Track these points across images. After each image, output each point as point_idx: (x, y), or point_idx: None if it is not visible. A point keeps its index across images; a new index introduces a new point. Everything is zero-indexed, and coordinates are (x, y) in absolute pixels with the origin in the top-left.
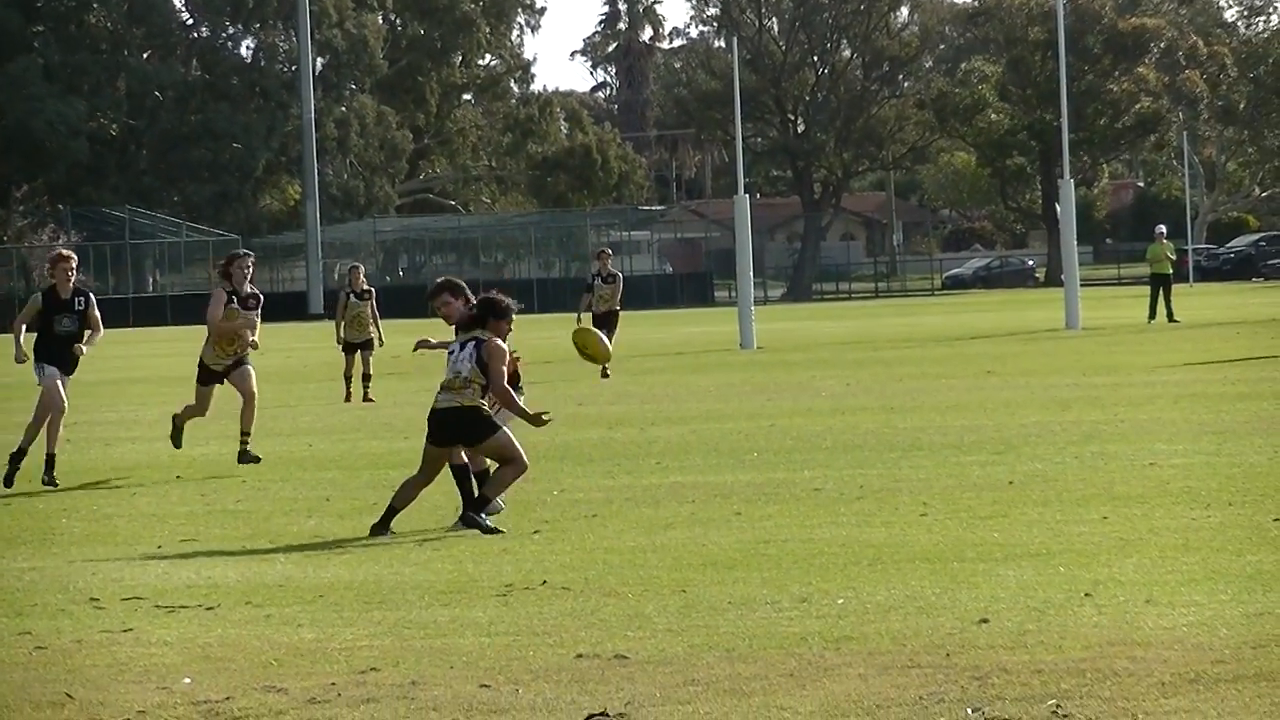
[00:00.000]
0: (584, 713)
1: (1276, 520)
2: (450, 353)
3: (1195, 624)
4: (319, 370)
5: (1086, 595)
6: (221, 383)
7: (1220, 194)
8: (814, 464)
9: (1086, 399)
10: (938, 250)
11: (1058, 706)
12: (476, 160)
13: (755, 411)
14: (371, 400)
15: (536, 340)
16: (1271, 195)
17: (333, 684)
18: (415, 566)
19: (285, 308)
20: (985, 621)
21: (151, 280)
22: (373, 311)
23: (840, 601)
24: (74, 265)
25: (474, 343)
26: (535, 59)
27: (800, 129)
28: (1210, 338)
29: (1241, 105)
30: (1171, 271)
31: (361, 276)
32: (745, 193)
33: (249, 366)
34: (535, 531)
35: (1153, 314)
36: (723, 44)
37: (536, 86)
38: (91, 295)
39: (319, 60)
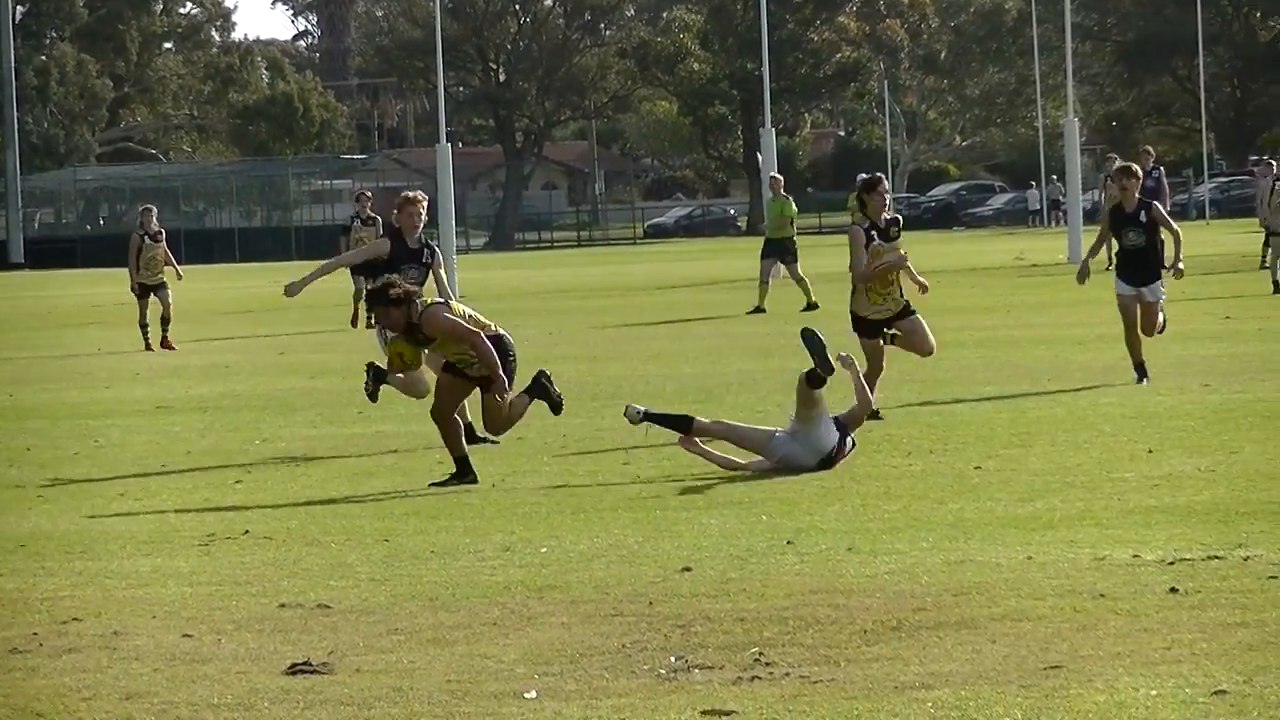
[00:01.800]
0: (287, 662)
1: (977, 468)
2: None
3: (897, 571)
4: (20, 320)
5: (789, 543)
6: None
7: (921, 143)
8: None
9: (789, 348)
10: (640, 199)
11: (760, 654)
12: (177, 109)
13: None
14: (172, 347)
15: (232, 290)
16: (972, 144)
17: (34, 634)
18: (117, 517)
19: None
20: (688, 570)
21: None
22: (166, 253)
23: (543, 550)
24: (425, 209)
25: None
26: (236, 7)
27: (502, 78)
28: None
29: (943, 54)
30: None
31: (154, 218)
32: (447, 141)
33: None
34: (237, 481)
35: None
36: None
37: (238, 35)
38: (438, 251)
39: (18, 8)
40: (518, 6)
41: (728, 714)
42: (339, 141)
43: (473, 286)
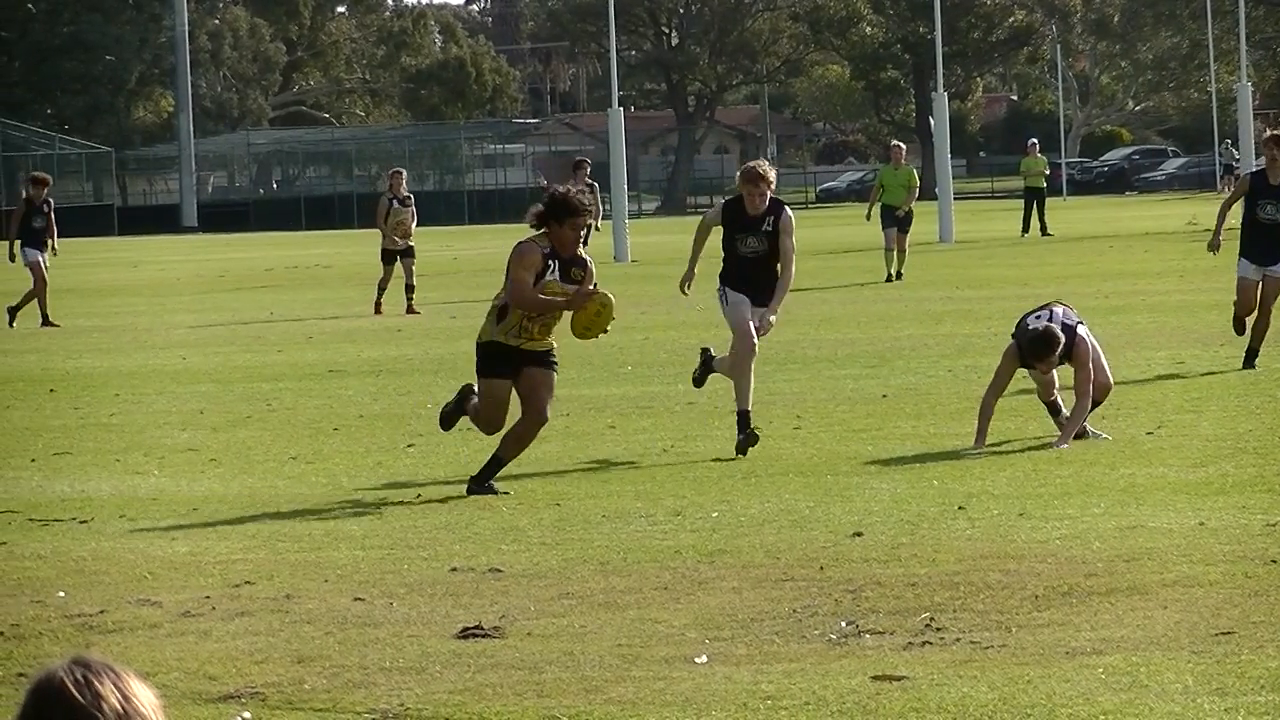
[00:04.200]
0: (458, 626)
1: (1149, 434)
2: None
3: (1068, 537)
4: (192, 283)
5: (960, 508)
6: None
7: (1093, 107)
8: (688, 378)
9: (959, 313)
10: (811, 163)
11: (931, 619)
12: (350, 73)
13: (629, 325)
14: (417, 312)
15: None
16: (1144, 109)
17: (207, 597)
18: (289, 480)
19: (158, 220)
20: (859, 535)
21: (24, 192)
22: (412, 217)
23: (714, 515)
24: (771, 184)
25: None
26: None
27: (674, 42)
28: (1083, 251)
29: (1115, 18)
30: (1045, 185)
31: (404, 181)
32: (619, 106)
33: None
34: (409, 445)
35: (1026, 227)
36: None
37: None
38: (787, 213)
39: None
40: None
41: (899, 679)
42: (511, 106)
43: (644, 250)
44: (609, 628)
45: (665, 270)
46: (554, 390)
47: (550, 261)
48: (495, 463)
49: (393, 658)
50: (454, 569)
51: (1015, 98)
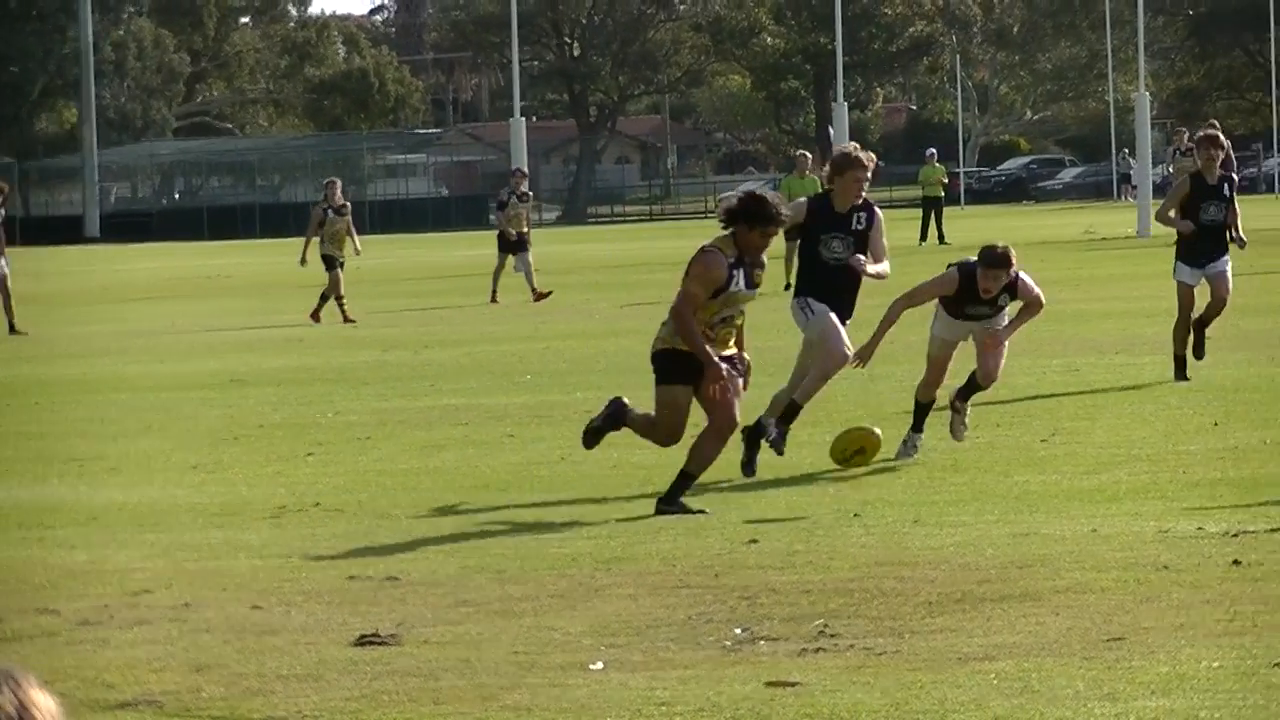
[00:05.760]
0: (355, 633)
1: (1044, 441)
2: None
3: (962, 544)
4: (96, 293)
5: (855, 516)
6: None
7: (992, 117)
8: (587, 386)
9: (856, 320)
10: (712, 173)
11: (825, 626)
12: (254, 83)
13: (529, 334)
14: (352, 320)
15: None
16: (1042, 119)
17: (105, 606)
18: (188, 489)
19: (61, 231)
20: (754, 542)
21: None
22: (349, 227)
23: (611, 523)
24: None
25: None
26: None
27: (576, 52)
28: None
29: (1015, 28)
30: (943, 194)
31: (339, 191)
32: (521, 116)
33: None
34: (309, 454)
35: (924, 236)
36: None
37: (314, 9)
38: (878, 211)
39: None
40: None
41: (792, 685)
42: (413, 116)
43: (545, 259)
44: (505, 635)
45: (565, 279)
46: (742, 394)
47: (734, 271)
48: (684, 479)
49: (290, 665)
50: (352, 577)
51: (915, 107)
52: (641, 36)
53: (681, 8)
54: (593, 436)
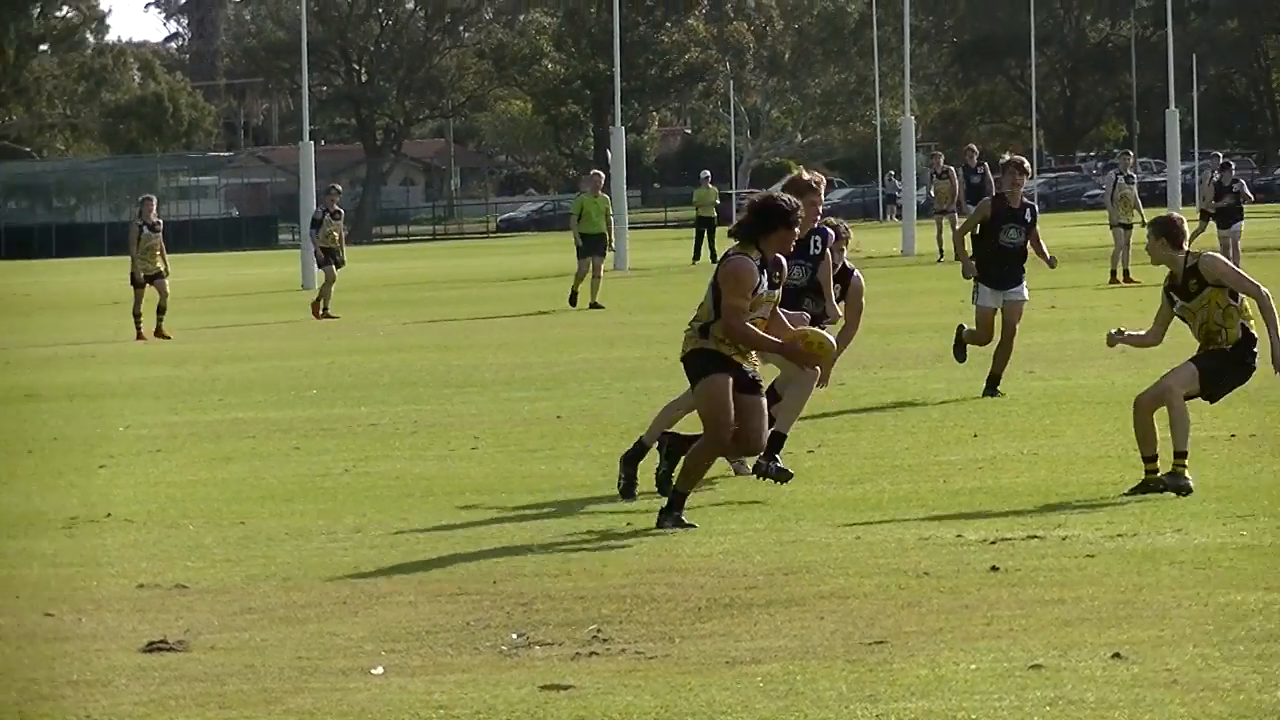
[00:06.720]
0: (144, 640)
1: (810, 452)
2: None
3: (730, 551)
4: None
5: (628, 524)
6: None
7: (764, 140)
8: (371, 400)
9: (632, 337)
10: (493, 194)
11: (598, 630)
12: (51, 109)
13: (316, 349)
14: (168, 336)
15: (110, 281)
16: (812, 142)
17: None
18: None
19: None
20: (531, 550)
21: None
22: (160, 245)
23: (393, 532)
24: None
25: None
26: (110, 10)
27: (364, 78)
28: None
29: (786, 55)
30: (716, 215)
31: (154, 208)
32: (310, 140)
33: None
34: (101, 466)
35: (697, 255)
36: None
37: (111, 37)
38: (831, 232)
39: None
40: (380, 9)
41: (565, 688)
42: (206, 139)
43: None
44: (289, 641)
45: (351, 297)
46: (765, 413)
47: (760, 275)
48: (679, 495)
49: (80, 671)
50: (141, 585)
51: (689, 131)
52: (427, 63)
53: (466, 35)
54: (666, 483)
